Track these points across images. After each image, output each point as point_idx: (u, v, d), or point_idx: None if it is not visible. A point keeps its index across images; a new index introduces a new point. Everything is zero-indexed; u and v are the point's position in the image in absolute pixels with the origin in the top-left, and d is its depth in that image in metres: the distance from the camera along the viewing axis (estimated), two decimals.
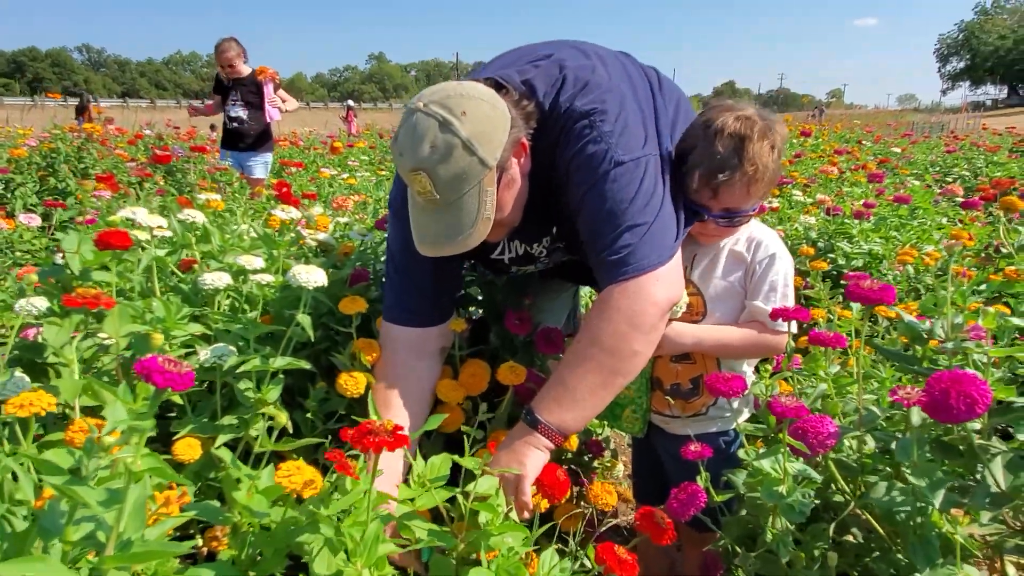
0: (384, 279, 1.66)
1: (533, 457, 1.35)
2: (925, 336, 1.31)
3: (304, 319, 1.31)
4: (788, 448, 1.15)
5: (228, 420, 1.31)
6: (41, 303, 1.19)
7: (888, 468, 1.26)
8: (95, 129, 6.23)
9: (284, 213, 1.74)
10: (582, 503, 1.74)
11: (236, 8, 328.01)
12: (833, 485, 1.31)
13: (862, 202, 2.98)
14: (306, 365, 1.38)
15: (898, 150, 6.95)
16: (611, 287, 1.37)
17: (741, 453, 1.27)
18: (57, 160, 5.08)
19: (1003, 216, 2.66)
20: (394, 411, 1.46)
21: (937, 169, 6.58)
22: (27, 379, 1.13)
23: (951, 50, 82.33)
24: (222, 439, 1.27)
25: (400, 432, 0.95)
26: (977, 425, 1.12)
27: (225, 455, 1.13)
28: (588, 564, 1.17)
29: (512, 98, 1.38)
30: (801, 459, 1.19)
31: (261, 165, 5.76)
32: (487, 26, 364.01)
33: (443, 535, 1.11)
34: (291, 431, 1.32)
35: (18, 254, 3.35)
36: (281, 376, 1.34)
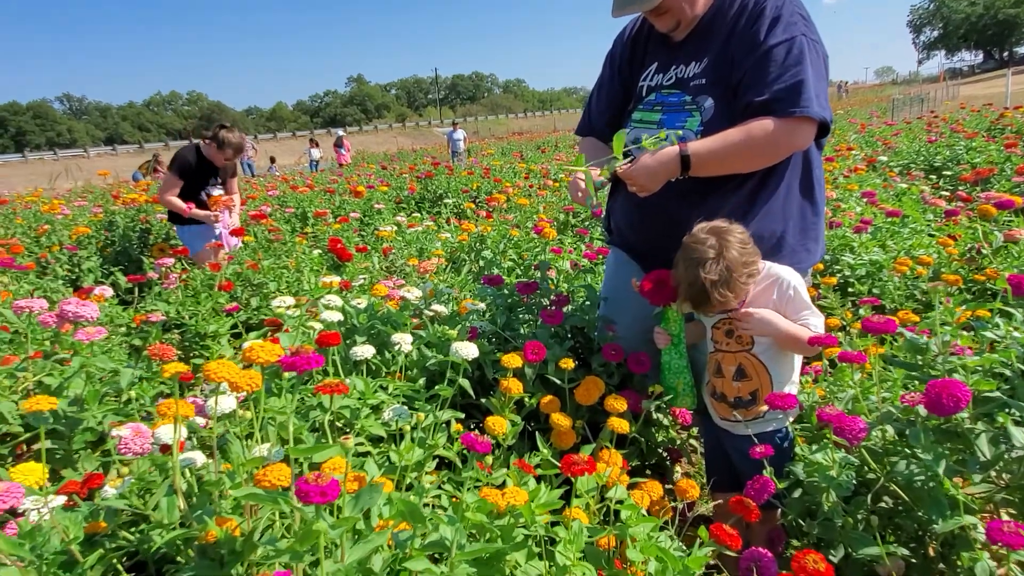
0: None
1: (668, 154, 1.90)
2: (924, 349, 1.77)
3: (464, 383, 1.76)
4: (833, 444, 1.61)
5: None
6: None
7: (906, 450, 1.71)
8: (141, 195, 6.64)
9: (409, 294, 2.19)
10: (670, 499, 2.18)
11: (210, 42, 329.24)
12: (867, 467, 1.75)
13: (860, 219, 3.43)
14: (461, 415, 1.84)
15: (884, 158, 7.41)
16: (775, 119, 1.87)
17: (797, 450, 1.72)
18: (116, 232, 5.54)
19: (980, 222, 3.13)
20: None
21: (922, 158, 7.05)
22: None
23: (924, 20, 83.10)
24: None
25: None
26: (965, 414, 1.57)
27: None
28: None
29: None
30: (842, 450, 1.64)
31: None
32: (463, 41, 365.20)
33: (594, 529, 1.56)
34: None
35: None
36: (443, 425, 1.80)
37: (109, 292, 3.59)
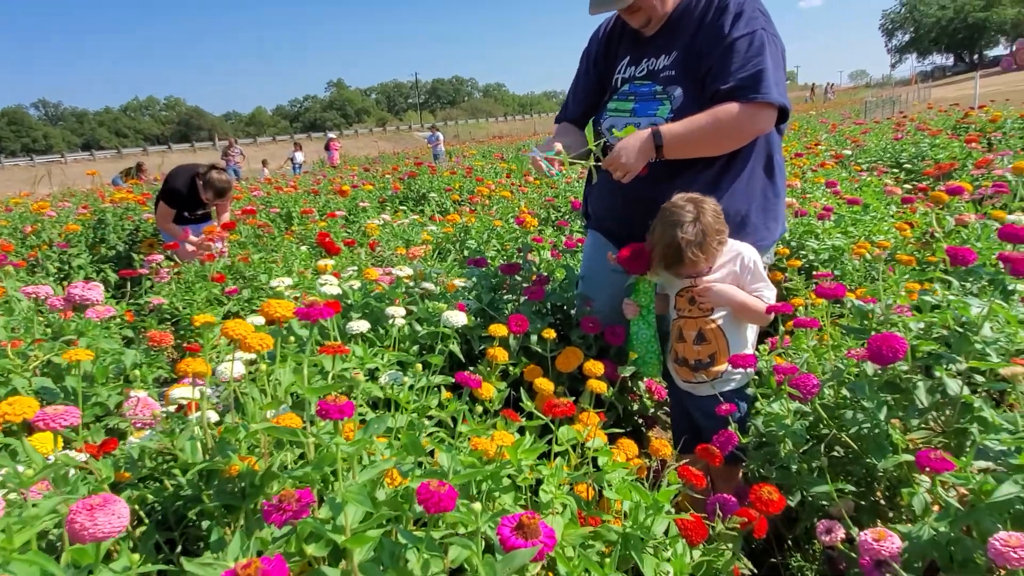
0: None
1: (642, 135, 2.08)
2: (869, 314, 1.96)
3: (455, 348, 1.92)
4: (788, 396, 1.78)
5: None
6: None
7: (855, 405, 1.89)
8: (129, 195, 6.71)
9: (400, 272, 2.34)
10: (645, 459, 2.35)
11: (188, 47, 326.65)
12: (821, 423, 1.93)
13: (823, 207, 3.64)
14: (451, 380, 1.99)
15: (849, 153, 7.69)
16: (739, 104, 2.06)
17: (757, 405, 1.90)
18: (106, 230, 5.62)
19: (934, 208, 3.34)
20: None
21: (888, 155, 7.32)
22: None
23: (896, 24, 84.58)
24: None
25: None
26: (904, 366, 1.76)
27: None
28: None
29: None
30: (796, 403, 1.82)
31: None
32: (444, 45, 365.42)
33: (575, 476, 1.72)
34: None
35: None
36: (435, 389, 1.95)
37: (101, 287, 3.71)
